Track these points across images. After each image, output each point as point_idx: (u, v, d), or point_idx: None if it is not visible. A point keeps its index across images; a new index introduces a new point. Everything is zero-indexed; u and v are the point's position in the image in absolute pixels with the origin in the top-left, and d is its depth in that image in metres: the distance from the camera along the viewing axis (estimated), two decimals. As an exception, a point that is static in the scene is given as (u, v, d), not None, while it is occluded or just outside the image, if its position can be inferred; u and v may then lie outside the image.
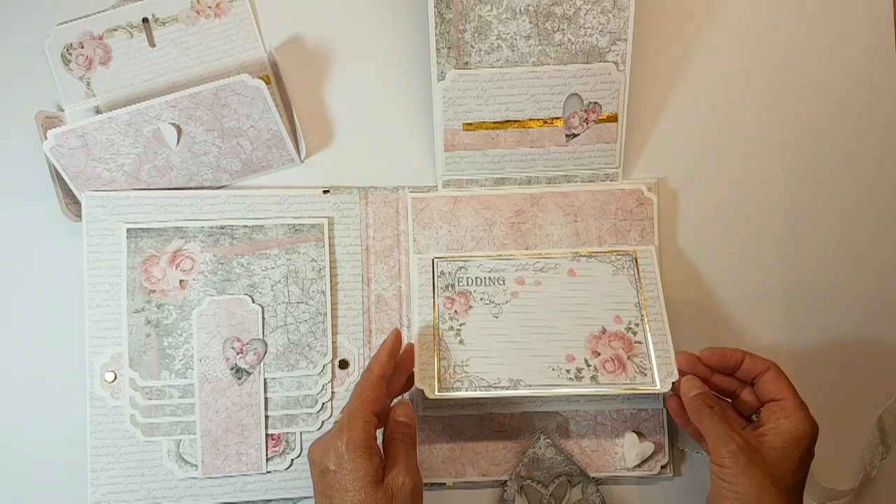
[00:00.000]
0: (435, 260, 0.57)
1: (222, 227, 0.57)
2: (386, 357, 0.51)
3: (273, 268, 0.57)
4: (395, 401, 0.53)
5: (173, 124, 0.56)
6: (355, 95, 0.60)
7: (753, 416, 0.53)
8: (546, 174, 0.59)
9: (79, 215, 0.57)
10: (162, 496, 0.56)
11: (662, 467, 0.57)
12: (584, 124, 0.58)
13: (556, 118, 0.58)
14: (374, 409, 0.49)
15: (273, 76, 0.60)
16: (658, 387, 0.53)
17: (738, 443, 0.48)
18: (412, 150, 0.60)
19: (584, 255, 0.58)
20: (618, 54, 0.57)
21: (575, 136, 0.58)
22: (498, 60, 0.57)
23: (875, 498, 0.59)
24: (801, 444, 0.49)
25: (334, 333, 0.57)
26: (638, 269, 0.57)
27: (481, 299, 0.56)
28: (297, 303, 0.57)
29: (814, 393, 0.59)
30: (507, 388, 0.53)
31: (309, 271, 0.57)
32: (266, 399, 0.56)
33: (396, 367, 0.53)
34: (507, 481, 0.57)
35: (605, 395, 0.56)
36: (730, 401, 0.54)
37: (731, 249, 0.60)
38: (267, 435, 0.56)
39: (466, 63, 0.57)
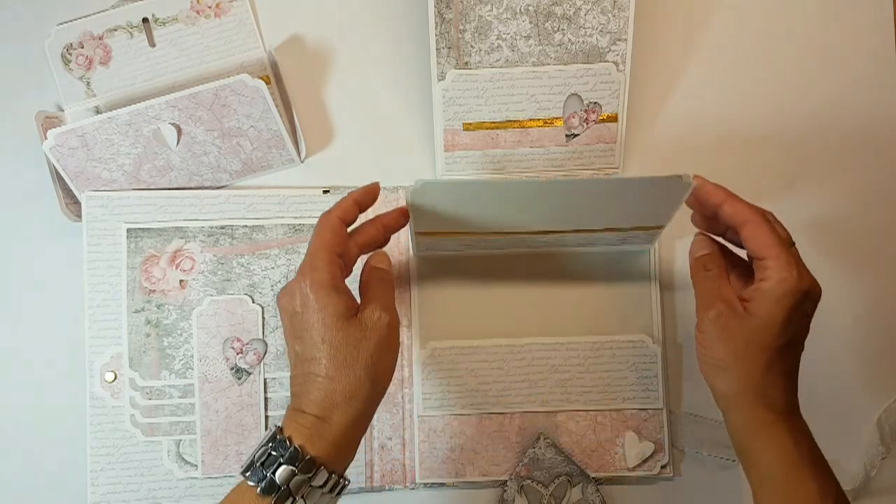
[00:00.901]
0: None
1: (222, 227, 0.57)
2: (350, 202, 0.48)
3: (273, 268, 0.57)
4: (373, 253, 0.50)
5: (173, 124, 0.56)
6: (355, 95, 0.60)
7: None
8: (546, 174, 0.59)
9: (79, 215, 0.57)
10: (162, 496, 0.56)
11: (662, 467, 0.57)
12: (584, 124, 0.58)
13: (556, 118, 0.58)
14: (336, 250, 0.46)
15: (273, 76, 0.60)
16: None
17: (720, 309, 0.46)
18: (412, 150, 0.60)
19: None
20: (618, 54, 0.57)
21: (575, 136, 0.58)
22: (498, 60, 0.57)
23: (875, 498, 0.59)
24: (783, 306, 0.45)
25: (334, 333, 0.57)
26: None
27: None
28: (297, 303, 0.57)
29: (814, 393, 0.59)
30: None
31: (309, 271, 0.57)
32: (266, 399, 0.56)
33: (372, 221, 0.50)
34: (507, 481, 0.57)
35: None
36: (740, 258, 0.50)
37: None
38: (267, 435, 0.56)
39: (466, 63, 0.57)
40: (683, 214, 0.61)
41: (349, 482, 0.46)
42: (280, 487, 0.42)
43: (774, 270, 0.45)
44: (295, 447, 0.43)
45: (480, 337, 0.58)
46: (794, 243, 0.49)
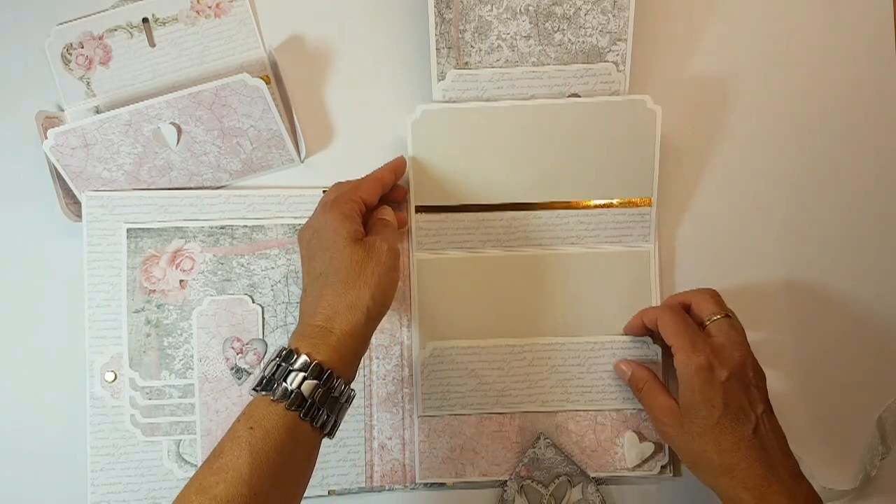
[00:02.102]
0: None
1: (222, 227, 0.57)
2: (389, 171, 0.55)
3: (273, 268, 0.57)
4: (379, 209, 0.54)
5: (173, 124, 0.56)
6: (356, 96, 0.60)
7: None
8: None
9: (79, 215, 0.57)
10: (162, 496, 0.56)
11: (662, 467, 0.57)
12: (584, 124, 0.58)
13: (556, 118, 0.58)
14: (365, 198, 0.52)
15: (273, 76, 0.60)
16: None
17: (662, 419, 0.51)
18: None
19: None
20: (618, 54, 0.57)
21: (575, 136, 0.58)
22: (498, 60, 0.57)
23: (875, 498, 0.59)
24: (693, 387, 0.49)
25: (334, 333, 0.57)
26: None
27: None
28: (297, 303, 0.57)
29: (814, 393, 0.59)
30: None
31: (309, 271, 0.57)
32: (266, 399, 0.56)
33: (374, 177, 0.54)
34: (507, 481, 0.57)
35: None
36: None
37: (731, 250, 0.60)
38: (267, 435, 0.56)
39: (466, 63, 0.57)
40: (676, 202, 0.61)
41: (355, 393, 0.49)
42: (293, 393, 0.44)
43: (678, 357, 0.51)
44: (304, 356, 0.45)
45: (480, 337, 0.58)
46: (726, 314, 0.52)
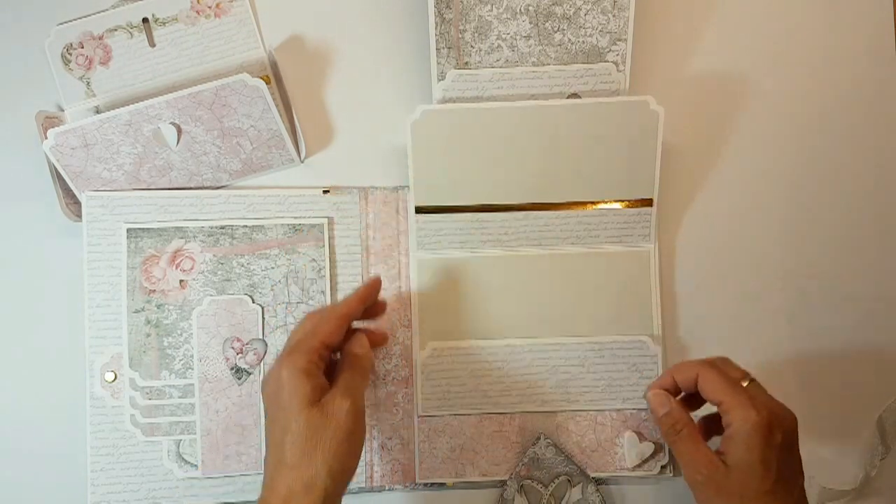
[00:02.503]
0: None
1: (222, 227, 0.57)
2: (357, 301, 0.51)
3: (273, 268, 0.57)
4: (354, 335, 0.51)
5: (173, 124, 0.56)
6: (355, 95, 0.60)
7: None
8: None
9: (79, 215, 0.57)
10: (162, 496, 0.56)
11: (662, 467, 0.57)
12: (584, 124, 0.58)
13: (556, 118, 0.58)
14: (325, 342, 0.48)
15: (273, 76, 0.60)
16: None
17: (704, 474, 0.47)
18: (412, 150, 0.60)
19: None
20: (618, 54, 0.57)
21: (575, 136, 0.58)
22: (498, 60, 0.57)
23: (875, 498, 0.59)
24: (752, 447, 0.45)
25: (334, 333, 0.57)
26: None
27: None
28: (297, 303, 0.57)
29: (814, 393, 0.59)
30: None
31: (309, 271, 0.57)
32: (266, 399, 0.56)
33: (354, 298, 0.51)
34: (506, 481, 0.57)
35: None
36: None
37: (731, 250, 0.60)
38: (267, 435, 0.56)
39: (466, 63, 0.57)
40: (676, 202, 0.61)
41: None
42: None
43: (733, 414, 0.46)
44: None
45: (480, 337, 0.58)
46: (752, 379, 0.49)
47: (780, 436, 0.46)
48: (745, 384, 0.49)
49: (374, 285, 0.52)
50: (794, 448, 0.47)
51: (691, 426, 0.49)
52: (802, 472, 0.48)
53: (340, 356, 0.50)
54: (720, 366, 0.50)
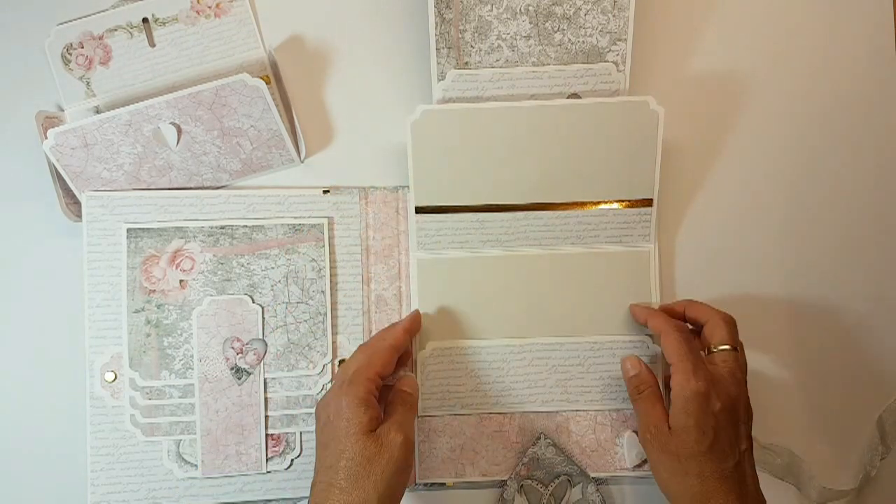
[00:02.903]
0: None
1: (222, 227, 0.57)
2: (402, 333, 0.54)
3: (273, 268, 0.57)
4: (401, 373, 0.55)
5: (173, 124, 0.56)
6: (355, 95, 0.60)
7: None
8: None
9: (79, 215, 0.57)
10: (162, 496, 0.56)
11: (662, 467, 0.57)
12: (584, 124, 0.58)
13: (556, 118, 0.58)
14: (380, 372, 0.51)
15: (273, 76, 0.60)
16: None
17: (651, 433, 0.51)
18: (412, 150, 0.60)
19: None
20: (618, 54, 0.57)
21: (575, 136, 0.58)
22: (498, 60, 0.57)
23: (875, 498, 0.59)
24: (688, 411, 0.49)
25: (334, 333, 0.57)
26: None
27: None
28: (297, 303, 0.57)
29: (814, 393, 0.59)
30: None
31: (309, 271, 0.57)
32: (266, 399, 0.57)
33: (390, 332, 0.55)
34: (506, 481, 0.57)
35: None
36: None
37: (731, 250, 0.60)
38: (267, 435, 0.56)
39: (466, 63, 0.57)
40: (676, 202, 0.61)
41: None
42: None
43: (676, 378, 0.50)
44: None
45: (480, 337, 0.58)
46: (735, 347, 0.52)
47: (719, 404, 0.49)
48: (716, 349, 0.52)
49: (417, 318, 0.56)
50: (733, 417, 0.50)
51: (654, 388, 0.53)
52: (748, 441, 0.51)
53: (392, 393, 0.53)
54: (712, 324, 0.53)
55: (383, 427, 0.49)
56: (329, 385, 0.57)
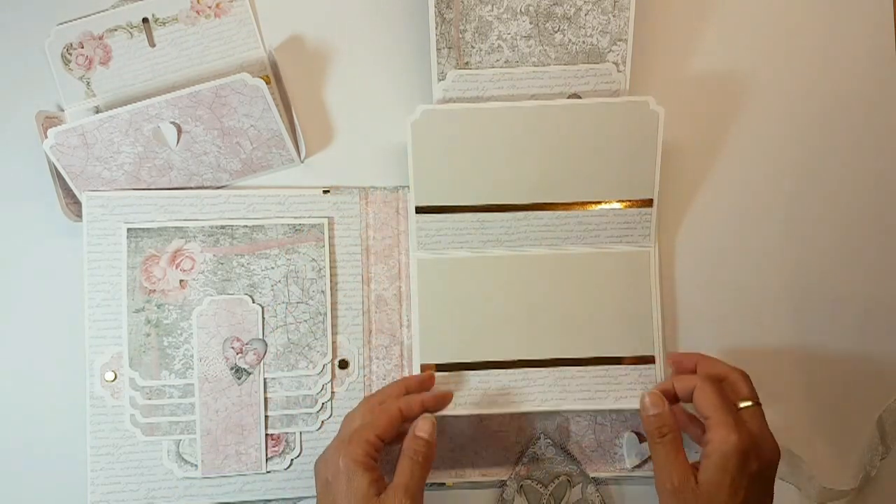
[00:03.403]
0: None
1: (222, 227, 0.57)
2: (418, 406, 0.51)
3: (273, 268, 0.57)
4: (421, 417, 0.52)
5: (173, 123, 0.56)
6: (355, 95, 0.60)
7: None
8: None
9: (79, 215, 0.57)
10: (162, 496, 0.56)
11: (662, 467, 0.57)
12: (585, 124, 0.58)
13: (557, 118, 0.58)
14: (382, 435, 0.49)
15: (273, 76, 0.60)
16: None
17: (674, 483, 0.47)
18: (412, 150, 0.60)
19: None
20: (618, 55, 0.57)
21: (575, 136, 0.58)
22: (498, 61, 0.57)
23: (875, 498, 0.59)
24: (725, 469, 0.46)
25: (334, 333, 0.57)
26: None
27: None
28: (297, 303, 0.57)
29: (814, 393, 0.59)
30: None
31: (309, 271, 0.57)
32: (266, 399, 0.56)
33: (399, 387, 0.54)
34: (506, 481, 0.57)
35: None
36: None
37: (731, 251, 0.60)
38: (267, 435, 0.56)
39: (467, 63, 0.57)
40: (676, 202, 0.61)
41: None
42: None
43: (715, 432, 0.47)
44: None
45: (480, 336, 0.57)
46: (757, 403, 0.50)
47: (756, 465, 0.47)
48: (741, 405, 0.49)
49: (444, 400, 0.54)
50: (768, 481, 0.48)
51: (677, 433, 0.50)
52: (772, 499, 0.49)
53: (406, 442, 0.50)
54: (733, 380, 0.51)
55: (388, 492, 0.47)
56: (328, 384, 0.57)
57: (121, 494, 0.56)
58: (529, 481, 0.57)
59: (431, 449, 0.50)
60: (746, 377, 0.51)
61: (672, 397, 0.51)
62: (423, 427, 0.50)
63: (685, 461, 0.48)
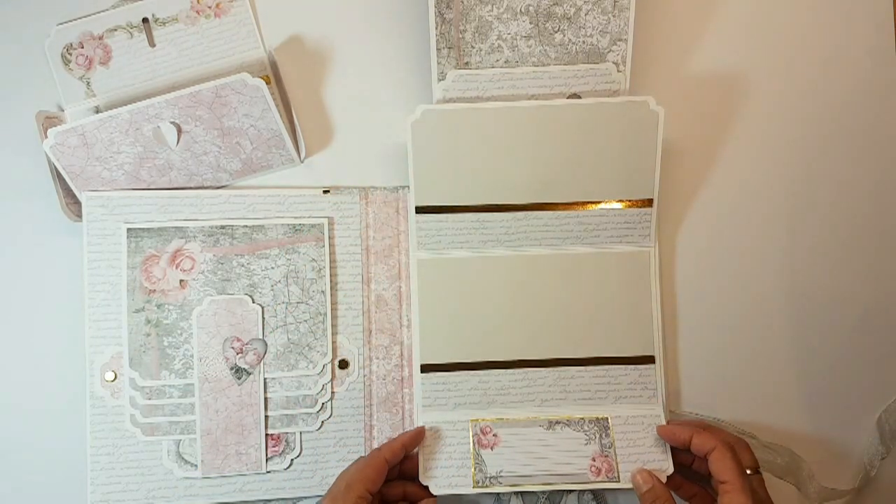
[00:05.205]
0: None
1: (222, 227, 0.57)
2: (400, 447, 0.54)
3: (273, 268, 0.57)
4: (426, 501, 0.54)
5: (173, 123, 0.56)
6: (355, 95, 0.60)
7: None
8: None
9: (79, 215, 0.57)
10: (162, 496, 0.56)
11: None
12: (584, 124, 0.58)
13: (556, 118, 0.58)
14: (371, 488, 0.52)
15: (273, 76, 0.60)
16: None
17: None
18: (412, 150, 0.60)
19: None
20: (618, 55, 0.57)
21: (575, 136, 0.58)
22: (498, 61, 0.57)
23: (875, 498, 0.59)
24: None
25: (334, 333, 0.57)
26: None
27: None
28: (297, 303, 0.57)
29: (814, 393, 0.59)
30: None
31: (309, 271, 0.57)
32: (266, 399, 0.57)
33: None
34: (506, 481, 0.57)
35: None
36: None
37: (731, 250, 0.60)
38: (266, 435, 0.56)
39: (467, 63, 0.57)
40: (676, 202, 0.61)
41: None
42: None
43: (732, 497, 0.49)
44: None
45: (480, 335, 0.57)
46: (759, 470, 0.53)
47: None
48: (749, 472, 0.52)
49: (419, 436, 0.56)
50: None
51: (670, 500, 0.53)
52: None
53: None
54: (739, 448, 0.53)
55: None
56: (328, 384, 0.57)
57: (121, 494, 0.56)
58: (529, 481, 0.57)
59: None
60: (748, 445, 0.54)
61: (683, 446, 0.54)
62: None
63: None
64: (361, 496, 0.51)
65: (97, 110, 0.59)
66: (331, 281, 0.58)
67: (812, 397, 0.56)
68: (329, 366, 0.57)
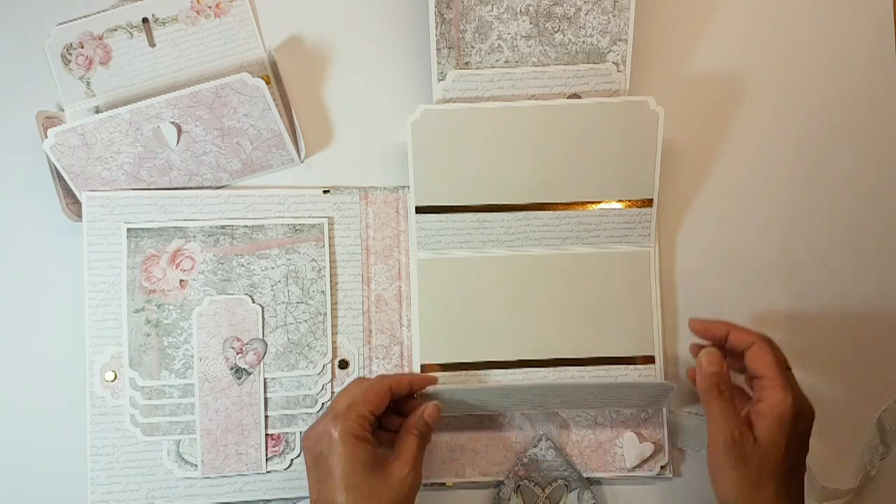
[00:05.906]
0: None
1: (222, 227, 0.57)
2: (406, 383, 0.53)
3: (273, 268, 0.57)
4: (431, 404, 0.53)
5: (173, 123, 0.56)
6: (355, 95, 0.60)
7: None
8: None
9: (79, 215, 0.57)
10: (162, 496, 0.56)
11: (662, 467, 0.57)
12: (584, 124, 0.58)
13: (556, 118, 0.58)
14: (374, 410, 0.50)
15: (273, 76, 0.60)
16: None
17: (734, 437, 0.48)
18: (412, 150, 0.60)
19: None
20: (618, 55, 0.57)
21: (575, 136, 0.58)
22: (498, 61, 0.57)
23: (875, 498, 0.59)
24: (783, 428, 0.48)
25: (334, 333, 0.57)
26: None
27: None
28: (297, 303, 0.57)
29: (814, 393, 0.59)
30: None
31: (309, 271, 0.57)
32: (266, 399, 0.57)
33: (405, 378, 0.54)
34: (503, 480, 0.57)
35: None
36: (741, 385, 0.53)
37: (731, 250, 0.60)
38: (266, 435, 0.56)
39: (467, 63, 0.57)
40: (676, 202, 0.61)
41: None
42: None
43: (771, 391, 0.49)
44: None
45: (480, 336, 0.58)
46: (789, 368, 0.52)
47: (803, 425, 0.49)
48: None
49: (427, 380, 0.54)
50: (807, 439, 0.50)
51: (733, 391, 0.51)
52: (805, 466, 0.51)
53: (411, 420, 0.52)
54: (771, 344, 0.52)
55: (397, 464, 0.49)
56: (328, 384, 0.57)
57: (121, 494, 0.56)
58: (527, 482, 0.57)
59: (432, 431, 0.52)
60: (775, 344, 0.52)
61: (721, 348, 0.52)
62: (431, 413, 0.52)
63: (741, 417, 0.50)
64: (363, 416, 0.49)
65: (97, 110, 0.59)
66: (331, 281, 0.58)
67: (812, 397, 0.56)
68: (329, 366, 0.57)
